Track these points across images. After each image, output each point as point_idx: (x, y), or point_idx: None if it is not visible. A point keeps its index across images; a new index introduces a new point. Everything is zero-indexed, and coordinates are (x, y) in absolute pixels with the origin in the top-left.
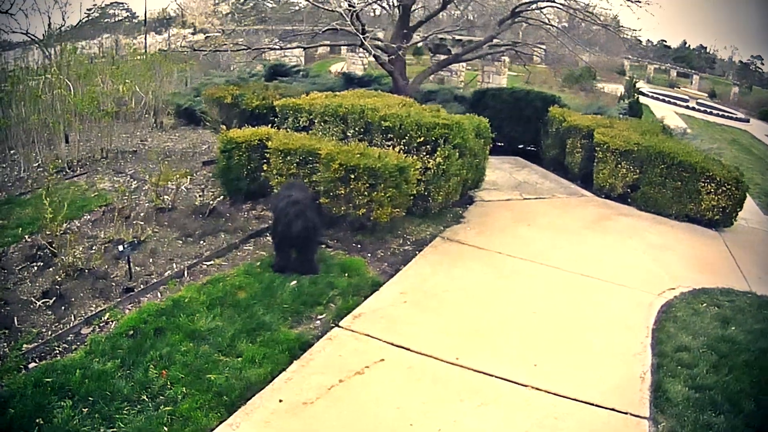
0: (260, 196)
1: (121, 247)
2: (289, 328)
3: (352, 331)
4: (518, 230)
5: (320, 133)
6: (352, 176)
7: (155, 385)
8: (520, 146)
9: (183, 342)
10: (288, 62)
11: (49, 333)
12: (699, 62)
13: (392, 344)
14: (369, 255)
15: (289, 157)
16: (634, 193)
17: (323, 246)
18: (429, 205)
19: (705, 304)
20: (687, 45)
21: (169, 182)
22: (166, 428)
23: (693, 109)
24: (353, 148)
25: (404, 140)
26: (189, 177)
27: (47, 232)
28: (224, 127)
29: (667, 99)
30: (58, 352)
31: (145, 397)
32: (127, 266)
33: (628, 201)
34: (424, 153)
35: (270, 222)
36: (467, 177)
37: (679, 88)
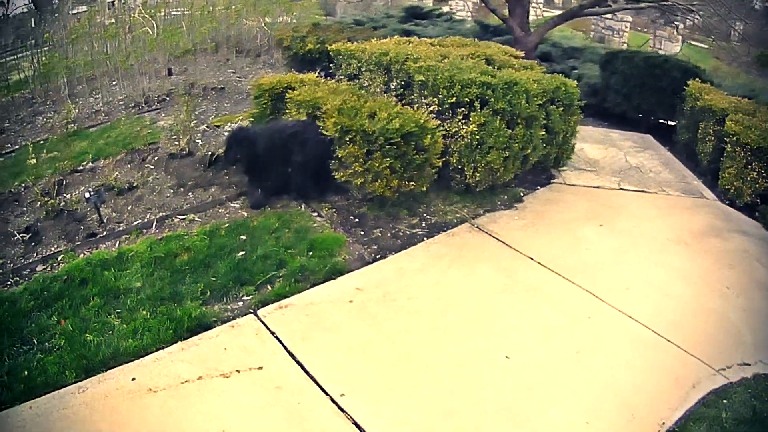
0: None
1: (87, 195)
2: (200, 305)
3: (263, 323)
4: (582, 230)
5: (367, 82)
6: (347, 139)
7: (48, 332)
8: (654, 122)
9: (95, 297)
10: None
11: (11, 265)
12: None
13: (289, 353)
14: (361, 233)
15: (301, 109)
16: (764, 205)
17: (314, 214)
18: (468, 182)
19: None
20: None
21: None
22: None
23: None
24: (363, 104)
25: (437, 99)
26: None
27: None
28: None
29: None
30: (10, 283)
31: (31, 344)
32: (97, 213)
33: (755, 215)
34: (460, 117)
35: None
36: (529, 153)
37: None
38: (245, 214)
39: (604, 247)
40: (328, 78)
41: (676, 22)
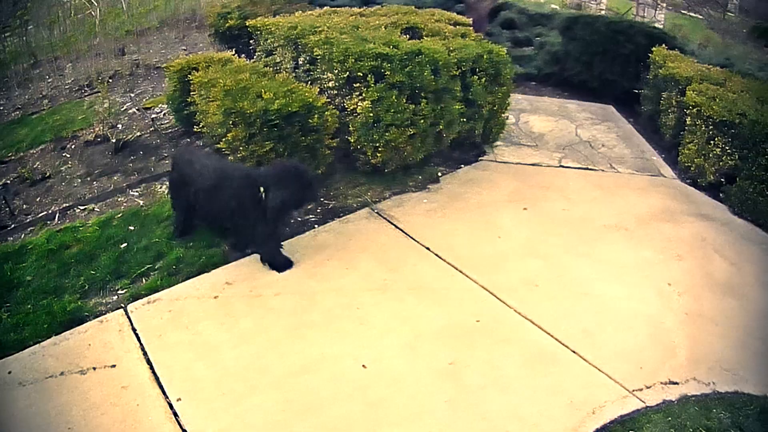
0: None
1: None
2: (78, 299)
3: (129, 319)
4: (499, 215)
5: (279, 58)
6: (231, 122)
7: None
8: (619, 92)
9: None
10: None
11: None
12: None
13: (144, 351)
14: None
15: (203, 91)
16: (729, 186)
17: None
18: (372, 163)
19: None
20: None
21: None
22: None
23: None
24: (257, 84)
25: (334, 74)
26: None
27: None
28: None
29: None
30: None
31: None
32: (7, 205)
33: (720, 196)
34: (358, 93)
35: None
36: (443, 129)
37: None
38: (141, 202)
39: (521, 235)
40: (243, 56)
41: None
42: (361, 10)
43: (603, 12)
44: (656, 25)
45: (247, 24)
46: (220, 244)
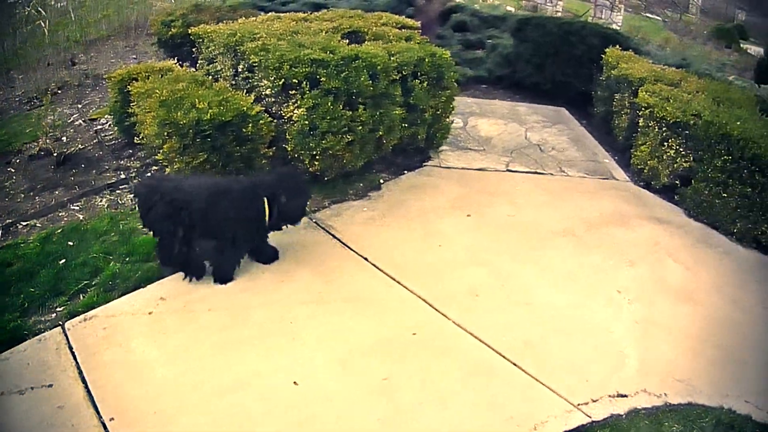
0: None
1: None
2: (18, 317)
3: (66, 337)
4: (441, 223)
5: (220, 66)
6: (166, 133)
7: None
8: (572, 94)
9: None
10: None
11: None
12: None
13: (79, 369)
14: None
15: (142, 102)
16: (684, 188)
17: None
18: (311, 171)
19: None
20: None
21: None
22: None
23: None
24: (194, 93)
25: (270, 81)
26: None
27: None
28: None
29: None
30: None
31: None
32: None
33: (674, 198)
34: (294, 100)
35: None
36: (383, 135)
37: None
38: (81, 217)
39: (464, 242)
40: (188, 64)
41: None
42: (306, 15)
43: (559, 14)
44: (613, 26)
45: (190, 32)
46: (155, 259)
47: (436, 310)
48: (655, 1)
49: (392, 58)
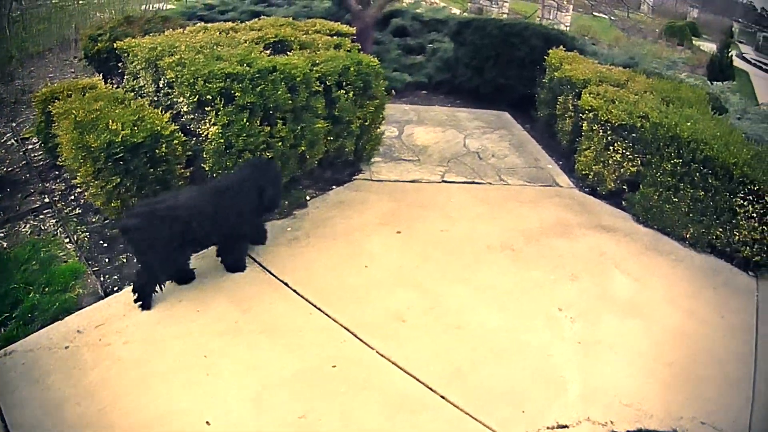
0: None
1: None
2: None
3: None
4: (369, 241)
5: (142, 82)
6: (81, 157)
7: None
8: (517, 97)
9: None
10: None
11: None
12: None
13: None
14: (106, 261)
15: (60, 123)
16: (631, 193)
17: (67, 240)
18: None
19: None
20: None
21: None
22: None
23: None
24: (112, 112)
25: (185, 97)
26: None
27: None
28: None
29: None
30: None
31: None
32: None
33: (622, 204)
34: (210, 117)
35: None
36: (305, 150)
37: None
38: (5, 244)
39: (392, 262)
40: (117, 80)
41: None
42: (234, 24)
43: (505, 15)
44: (561, 26)
45: (115, 46)
46: (73, 289)
47: (359, 338)
48: (606, 0)
49: (315, 69)
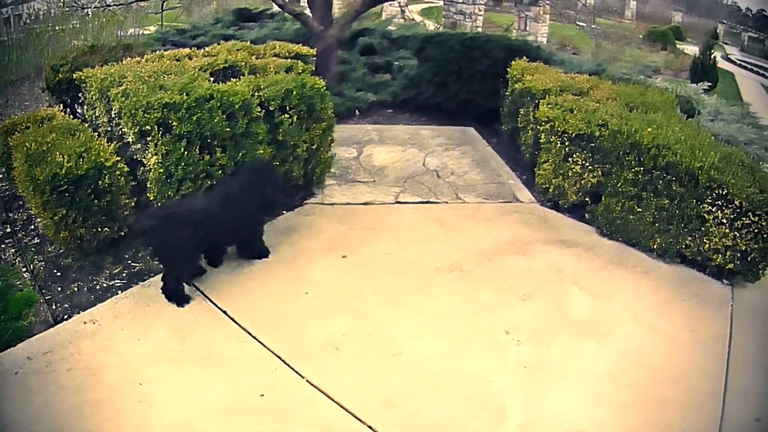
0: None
1: None
2: None
3: None
4: (313, 267)
5: (98, 113)
6: (31, 189)
7: None
8: (482, 112)
9: None
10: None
11: None
12: None
13: None
14: (59, 289)
15: (16, 155)
16: (594, 205)
17: (24, 269)
18: None
19: None
20: None
21: None
22: None
23: None
24: (63, 144)
25: (129, 129)
26: None
27: None
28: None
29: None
30: None
31: None
32: None
33: (585, 217)
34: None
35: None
36: None
37: None
38: None
39: (334, 288)
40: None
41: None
42: (190, 51)
43: (479, 29)
44: (539, 37)
45: (75, 76)
46: (26, 317)
47: (290, 367)
48: (589, 8)
49: (257, 94)
